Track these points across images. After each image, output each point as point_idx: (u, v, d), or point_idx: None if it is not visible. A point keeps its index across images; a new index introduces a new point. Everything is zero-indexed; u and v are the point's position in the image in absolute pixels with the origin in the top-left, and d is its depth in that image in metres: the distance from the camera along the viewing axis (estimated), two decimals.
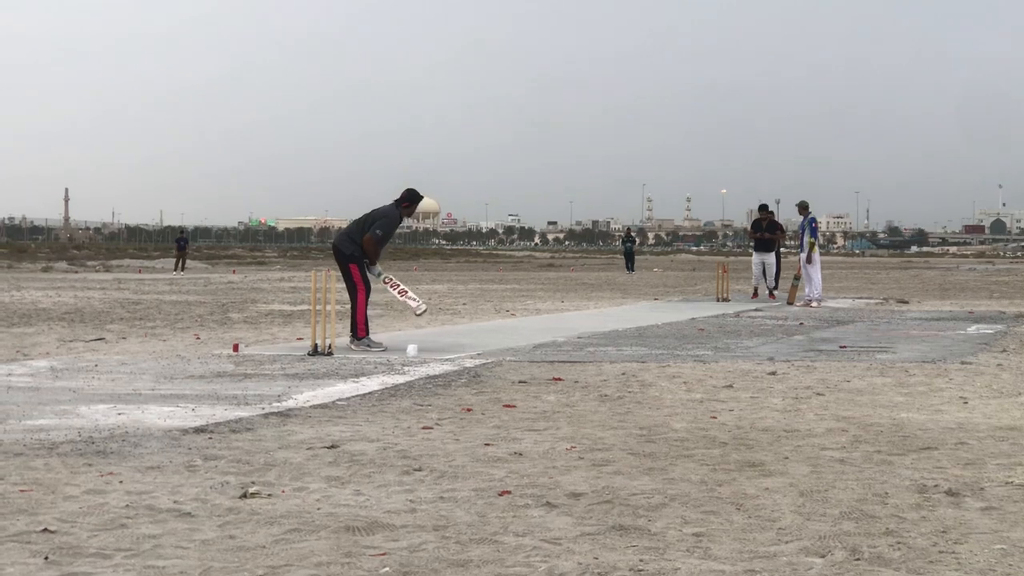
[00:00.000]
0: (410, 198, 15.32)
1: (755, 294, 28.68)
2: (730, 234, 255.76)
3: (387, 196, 15.48)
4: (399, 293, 15.19)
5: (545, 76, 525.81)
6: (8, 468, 7.00)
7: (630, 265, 57.60)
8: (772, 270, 28.49)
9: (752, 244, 30.15)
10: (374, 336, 15.18)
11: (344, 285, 15.08)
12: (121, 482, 6.66)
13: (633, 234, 65.90)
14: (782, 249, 29.75)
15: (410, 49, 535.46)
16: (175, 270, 53.09)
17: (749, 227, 31.03)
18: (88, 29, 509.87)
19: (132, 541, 5.43)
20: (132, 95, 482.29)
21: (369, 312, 15.12)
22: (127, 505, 6.11)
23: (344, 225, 17.04)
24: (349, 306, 15.03)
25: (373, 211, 15.21)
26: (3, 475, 6.79)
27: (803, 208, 26.30)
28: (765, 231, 28.61)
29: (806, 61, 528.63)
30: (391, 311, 22.57)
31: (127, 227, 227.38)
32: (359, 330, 14.72)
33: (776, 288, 28.63)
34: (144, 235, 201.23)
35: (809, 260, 25.85)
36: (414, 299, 15.26)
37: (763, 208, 29.11)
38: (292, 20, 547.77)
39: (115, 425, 8.63)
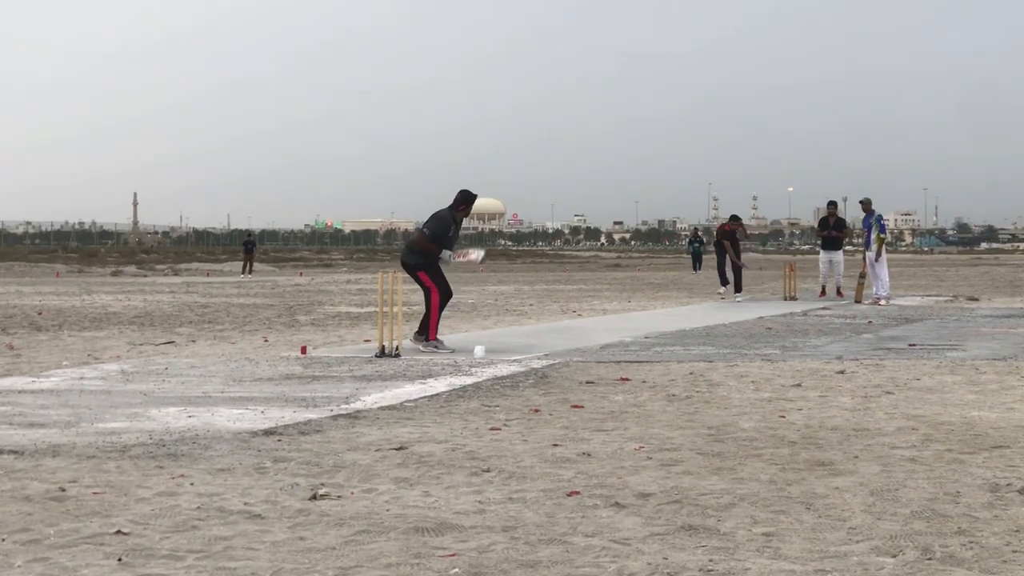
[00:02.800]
0: (464, 199, 15.33)
1: (823, 292, 28.52)
2: (796, 232, 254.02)
3: (452, 197, 15.48)
4: (460, 256, 15.19)
5: (610, 74, 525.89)
6: (82, 470, 7.09)
7: (697, 265, 57.43)
8: (839, 268, 28.32)
9: (819, 242, 29.97)
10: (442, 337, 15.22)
11: (415, 287, 15.14)
12: (192, 484, 6.72)
13: (700, 233, 65.95)
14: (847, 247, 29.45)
15: (471, 47, 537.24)
16: (243, 273, 53.50)
17: (816, 225, 30.77)
18: (152, 31, 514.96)
19: (204, 543, 5.48)
20: (198, 96, 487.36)
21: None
22: (198, 507, 6.17)
23: (410, 228, 17.16)
24: (421, 308, 15.08)
25: (429, 218, 15.31)
26: (77, 478, 6.88)
27: (866, 205, 26.09)
28: (832, 229, 28.44)
29: (849, 61, 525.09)
30: (458, 312, 22.64)
31: (195, 230, 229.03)
32: (431, 333, 14.75)
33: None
34: (212, 238, 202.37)
35: (877, 258, 25.66)
36: (474, 252, 15.22)
37: (832, 205, 28.92)
38: (357, 18, 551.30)
39: (185, 428, 8.70)
